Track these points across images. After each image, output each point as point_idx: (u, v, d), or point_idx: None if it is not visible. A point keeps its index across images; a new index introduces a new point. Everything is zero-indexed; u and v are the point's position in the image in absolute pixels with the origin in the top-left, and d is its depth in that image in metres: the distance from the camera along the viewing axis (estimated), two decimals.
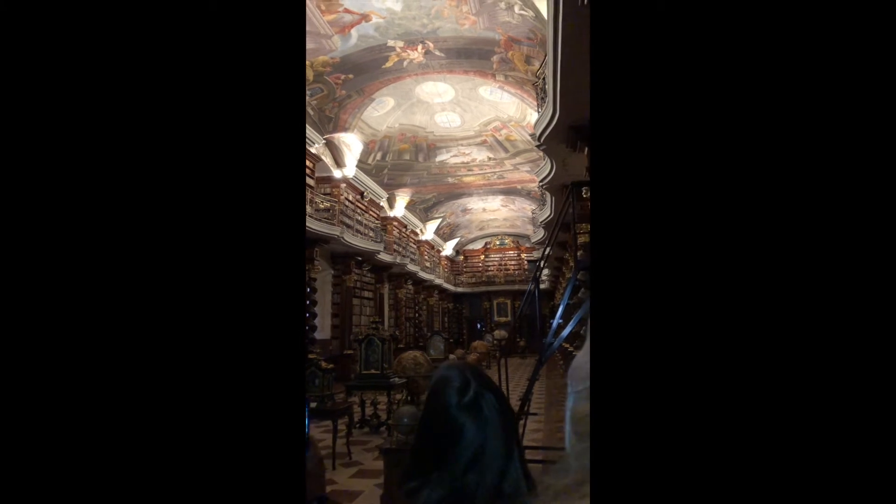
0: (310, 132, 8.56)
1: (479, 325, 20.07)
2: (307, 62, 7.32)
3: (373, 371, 5.06)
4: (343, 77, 7.96)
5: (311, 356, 4.44)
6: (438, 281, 16.96)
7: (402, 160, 11.77)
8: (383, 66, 7.99)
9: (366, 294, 11.35)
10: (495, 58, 7.69)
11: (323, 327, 9.40)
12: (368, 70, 8.01)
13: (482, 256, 21.60)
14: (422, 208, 15.40)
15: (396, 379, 5.00)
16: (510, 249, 21.15)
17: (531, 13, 6.37)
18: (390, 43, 7.37)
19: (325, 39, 7.01)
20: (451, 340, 14.72)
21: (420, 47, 7.53)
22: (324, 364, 4.19)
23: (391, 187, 12.79)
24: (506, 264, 21.13)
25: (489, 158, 12.23)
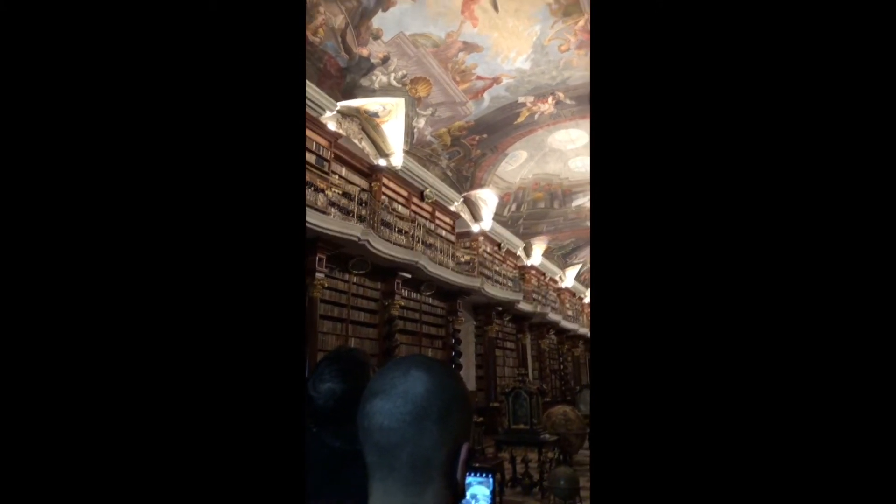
0: (449, 192, 9.16)
1: None
2: (445, 129, 7.97)
3: (521, 426, 4.91)
4: (478, 138, 8.45)
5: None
6: (583, 330, 16.08)
7: (537, 209, 11.79)
8: (515, 123, 8.29)
9: (508, 345, 11.27)
10: None
11: (468, 379, 9.52)
12: (501, 128, 8.38)
13: None
14: (559, 255, 15.05)
15: (547, 436, 4.76)
16: None
17: None
18: (521, 99, 7.67)
19: (460, 106, 7.59)
20: None
21: (550, 99, 7.68)
22: (474, 417, 4.20)
23: (527, 236, 12.83)
24: None
25: None
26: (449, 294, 8.56)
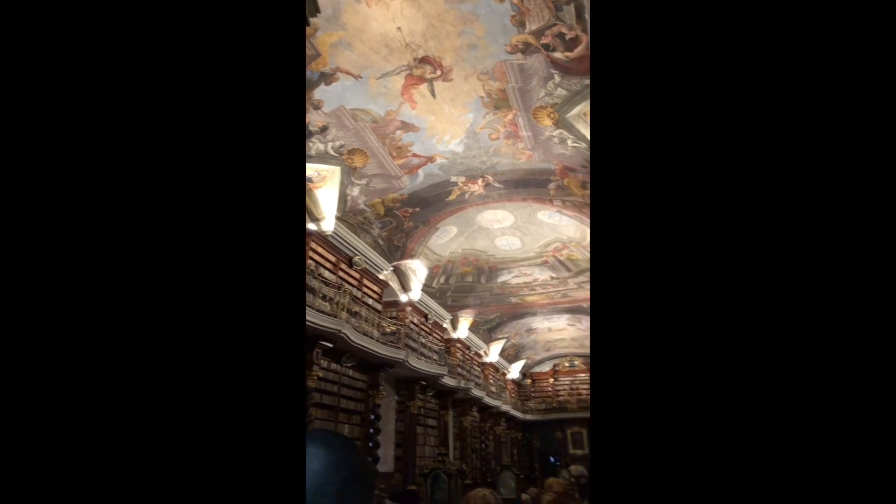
0: (379, 260, 9.14)
1: (552, 459, 18.17)
2: (379, 200, 8.12)
3: None
4: (411, 210, 8.68)
5: (375, 492, 4.18)
6: (505, 407, 15.99)
7: (465, 282, 12.05)
8: (447, 199, 8.66)
9: (430, 422, 10.87)
10: (552, 185, 8.12)
11: (386, 458, 8.94)
12: (433, 203, 8.70)
13: (551, 380, 20.38)
14: (485, 329, 15.25)
15: None
16: (581, 371, 19.88)
17: (584, 144, 6.83)
18: (453, 179, 8.08)
19: (395, 180, 7.83)
20: (522, 476, 13.32)
21: (480, 181, 8.17)
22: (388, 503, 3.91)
23: (454, 309, 12.94)
24: (577, 388, 19.72)
25: (552, 278, 12.22)
26: (372, 366, 8.24)
